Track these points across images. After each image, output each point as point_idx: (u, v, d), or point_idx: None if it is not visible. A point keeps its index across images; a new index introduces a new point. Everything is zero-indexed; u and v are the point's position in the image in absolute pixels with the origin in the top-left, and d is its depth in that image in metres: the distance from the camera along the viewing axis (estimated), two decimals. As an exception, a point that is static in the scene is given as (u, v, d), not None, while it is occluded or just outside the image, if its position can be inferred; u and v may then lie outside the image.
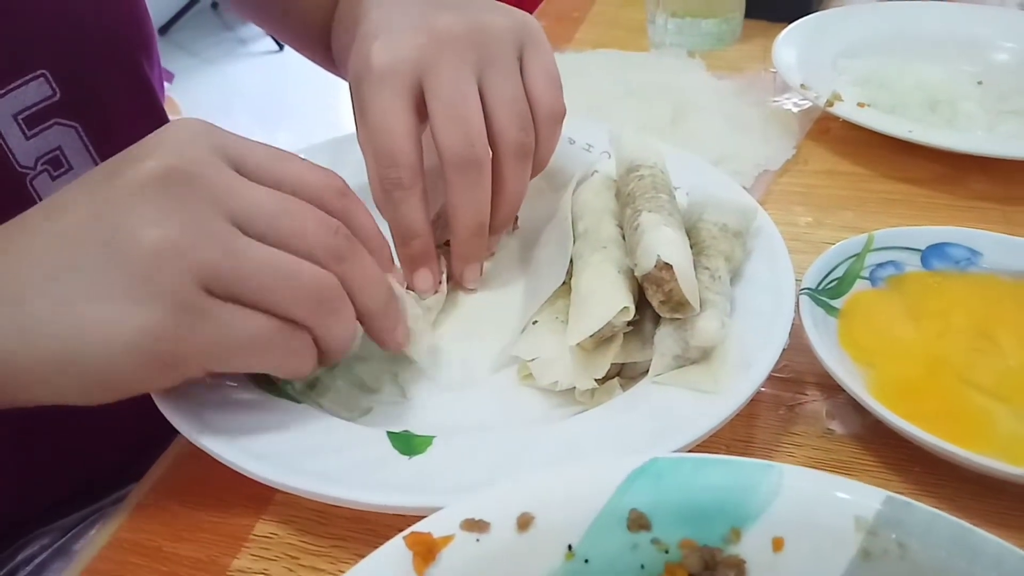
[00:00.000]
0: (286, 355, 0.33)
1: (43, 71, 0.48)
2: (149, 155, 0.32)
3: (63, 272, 0.31)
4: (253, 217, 0.32)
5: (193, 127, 0.34)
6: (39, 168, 0.49)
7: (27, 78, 0.47)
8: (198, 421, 0.35)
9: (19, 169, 0.48)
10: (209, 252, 0.31)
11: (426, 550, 0.25)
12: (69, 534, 0.56)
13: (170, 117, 0.61)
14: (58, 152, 0.50)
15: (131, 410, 0.57)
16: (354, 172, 0.43)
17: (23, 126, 0.48)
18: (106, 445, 0.58)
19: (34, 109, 0.48)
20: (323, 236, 0.33)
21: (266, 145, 0.35)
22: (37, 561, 0.55)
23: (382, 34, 0.41)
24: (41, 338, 0.31)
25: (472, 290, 0.46)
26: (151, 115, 0.60)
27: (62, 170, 0.50)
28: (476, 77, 0.41)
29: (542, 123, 0.43)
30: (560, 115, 0.44)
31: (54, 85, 0.48)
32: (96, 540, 0.37)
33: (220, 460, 0.34)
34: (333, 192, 0.35)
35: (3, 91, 0.46)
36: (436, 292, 0.43)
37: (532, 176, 0.45)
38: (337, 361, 0.37)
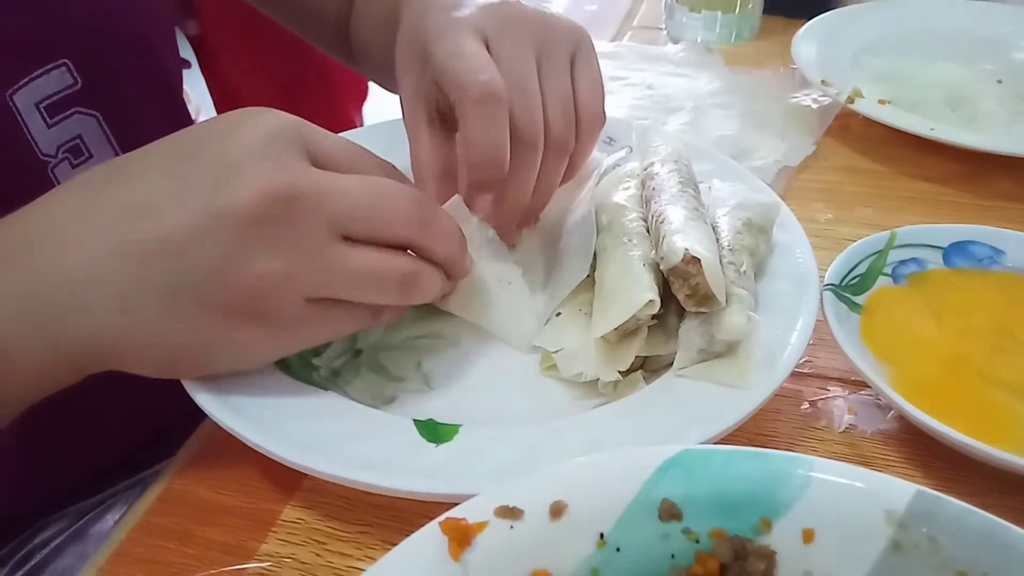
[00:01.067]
0: (373, 319, 0.38)
1: (65, 60, 0.48)
2: (244, 171, 0.33)
3: (172, 286, 0.33)
4: (349, 218, 0.34)
5: (270, 124, 0.34)
6: (60, 156, 0.49)
7: (49, 67, 0.47)
8: (228, 407, 0.36)
9: (41, 157, 0.48)
10: (310, 278, 0.34)
11: (461, 535, 0.25)
12: (85, 518, 0.56)
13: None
14: (79, 141, 0.50)
15: (145, 398, 0.57)
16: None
17: (45, 115, 0.48)
18: (121, 432, 0.58)
19: (55, 98, 0.48)
20: (409, 215, 0.36)
21: (339, 137, 0.37)
22: (53, 545, 0.55)
23: (444, 9, 0.43)
24: (148, 341, 0.34)
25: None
26: (171, 105, 0.60)
27: (83, 158, 0.50)
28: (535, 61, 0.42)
29: (583, 127, 0.44)
30: (601, 123, 0.45)
31: (75, 74, 0.49)
32: (125, 523, 0.37)
33: (251, 446, 0.35)
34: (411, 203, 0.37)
35: (25, 80, 0.46)
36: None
37: (563, 182, 0.45)
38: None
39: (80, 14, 0.49)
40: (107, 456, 0.58)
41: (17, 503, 0.55)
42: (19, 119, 0.46)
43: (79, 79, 0.49)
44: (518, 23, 0.42)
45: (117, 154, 0.52)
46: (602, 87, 0.45)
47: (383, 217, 0.35)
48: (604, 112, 0.45)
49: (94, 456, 0.58)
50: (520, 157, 0.41)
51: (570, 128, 0.43)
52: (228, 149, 0.34)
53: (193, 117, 0.67)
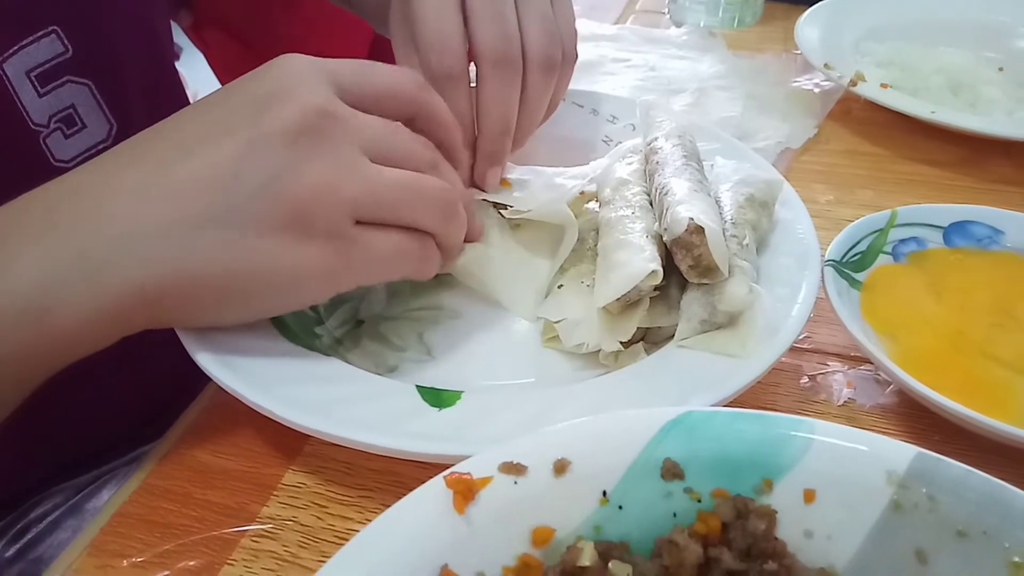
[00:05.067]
0: (419, 260, 0.38)
1: (54, 27, 0.47)
2: (283, 97, 0.35)
3: (220, 212, 0.34)
4: (377, 144, 0.36)
5: (302, 64, 0.36)
6: (52, 126, 0.48)
7: (38, 35, 0.46)
8: (232, 369, 0.36)
9: (32, 127, 0.47)
10: (355, 187, 0.35)
11: (466, 489, 0.25)
12: (81, 494, 0.56)
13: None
14: (71, 110, 0.49)
15: (142, 374, 0.57)
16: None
17: (36, 83, 0.47)
18: (119, 409, 0.58)
19: (46, 66, 0.47)
20: (420, 152, 0.39)
21: (350, 61, 0.38)
22: (50, 519, 0.55)
23: None
24: (197, 281, 0.34)
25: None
26: (163, 73, 0.59)
27: (75, 128, 0.49)
28: None
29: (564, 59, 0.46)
30: (574, 59, 0.47)
31: (66, 42, 0.48)
32: (126, 487, 0.37)
33: (254, 408, 0.35)
34: (418, 87, 0.40)
35: (15, 48, 0.45)
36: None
37: (546, 116, 0.47)
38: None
39: None
40: (104, 432, 0.58)
41: (14, 478, 0.55)
42: (10, 88, 0.45)
43: (70, 46, 0.48)
44: None
45: (111, 124, 0.51)
46: (575, 28, 0.47)
47: (403, 150, 0.37)
48: (576, 50, 0.47)
49: (91, 432, 0.58)
50: (500, 74, 0.43)
51: (555, 46, 0.44)
52: (263, 85, 0.36)
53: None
